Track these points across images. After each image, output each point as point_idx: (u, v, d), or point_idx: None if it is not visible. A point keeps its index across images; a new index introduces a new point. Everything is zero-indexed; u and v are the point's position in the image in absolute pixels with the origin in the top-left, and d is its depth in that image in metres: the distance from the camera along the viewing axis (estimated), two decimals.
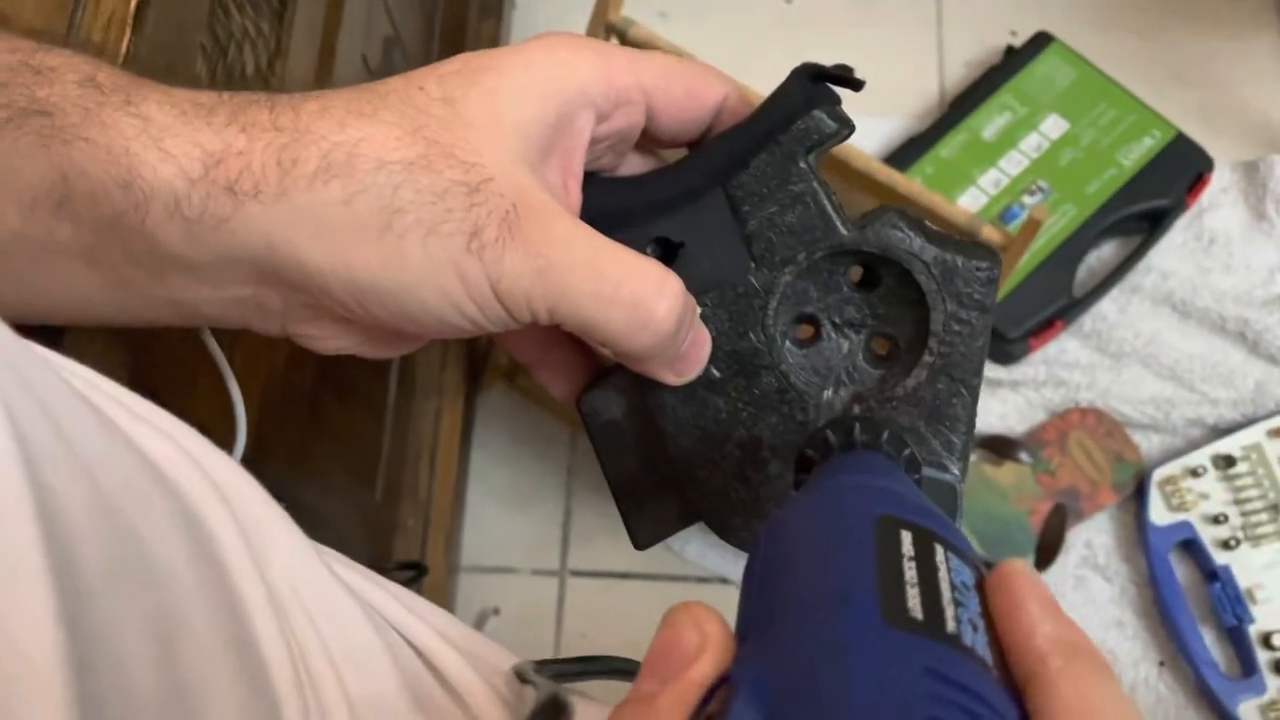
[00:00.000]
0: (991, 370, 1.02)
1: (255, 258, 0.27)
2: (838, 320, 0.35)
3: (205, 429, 0.47)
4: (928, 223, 0.33)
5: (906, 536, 0.22)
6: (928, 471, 0.33)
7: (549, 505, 1.01)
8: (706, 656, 0.20)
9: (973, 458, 0.98)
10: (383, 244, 0.27)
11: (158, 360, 0.45)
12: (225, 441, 0.44)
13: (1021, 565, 0.22)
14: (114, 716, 0.17)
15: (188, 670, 0.19)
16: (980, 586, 0.22)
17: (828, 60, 0.34)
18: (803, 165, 0.32)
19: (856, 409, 0.34)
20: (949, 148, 1.05)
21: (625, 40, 0.80)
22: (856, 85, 0.33)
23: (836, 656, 0.19)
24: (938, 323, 0.33)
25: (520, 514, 1.01)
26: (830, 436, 0.30)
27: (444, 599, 0.93)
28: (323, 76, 0.65)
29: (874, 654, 0.19)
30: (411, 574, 0.67)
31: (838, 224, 0.33)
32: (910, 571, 0.21)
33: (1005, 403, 1.00)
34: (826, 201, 0.33)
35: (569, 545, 1.00)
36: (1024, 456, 0.98)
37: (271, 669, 0.23)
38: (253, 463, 0.57)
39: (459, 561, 0.98)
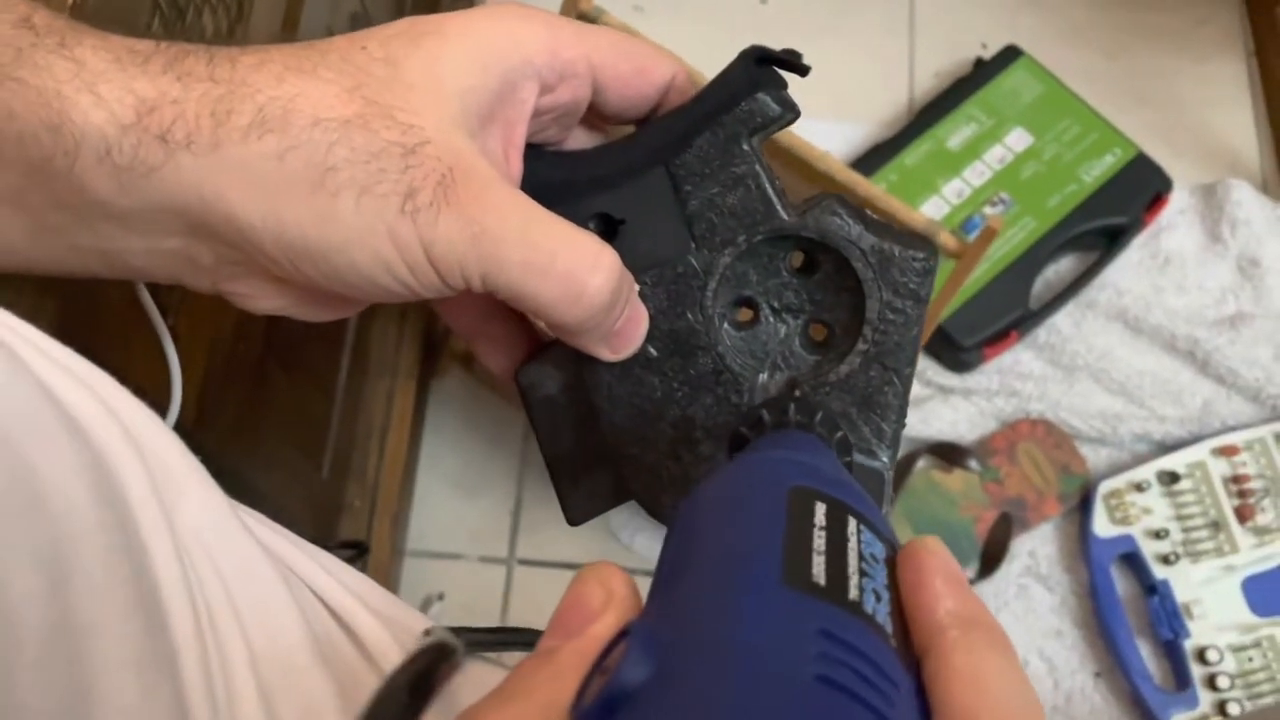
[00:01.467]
0: (945, 377, 1.02)
1: (185, 209, 0.26)
2: (776, 305, 0.35)
3: (140, 392, 0.47)
4: (868, 211, 0.33)
5: (820, 507, 0.22)
6: (856, 457, 0.33)
7: (500, 493, 1.01)
8: (610, 614, 0.20)
9: (922, 463, 0.99)
10: (315, 201, 0.26)
11: (94, 319, 0.44)
12: (160, 404, 0.43)
13: (932, 542, 0.22)
14: None
15: (77, 606, 0.19)
16: (891, 562, 0.22)
17: None
18: (746, 147, 0.32)
19: (793, 394, 0.34)
20: (914, 156, 1.06)
21: None
22: (803, 70, 0.33)
23: (731, 612, 0.19)
24: (873, 311, 0.33)
25: (470, 500, 1.00)
26: (765, 415, 0.31)
27: (388, 582, 0.93)
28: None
29: (768, 612, 0.19)
30: (352, 553, 0.67)
31: (779, 208, 0.33)
32: (819, 540, 0.21)
33: (957, 410, 1.01)
34: (768, 185, 0.33)
35: (518, 534, 1.00)
36: (973, 464, 0.99)
37: (171, 616, 0.23)
38: (192, 432, 0.57)
39: (405, 545, 0.98)
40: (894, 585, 0.22)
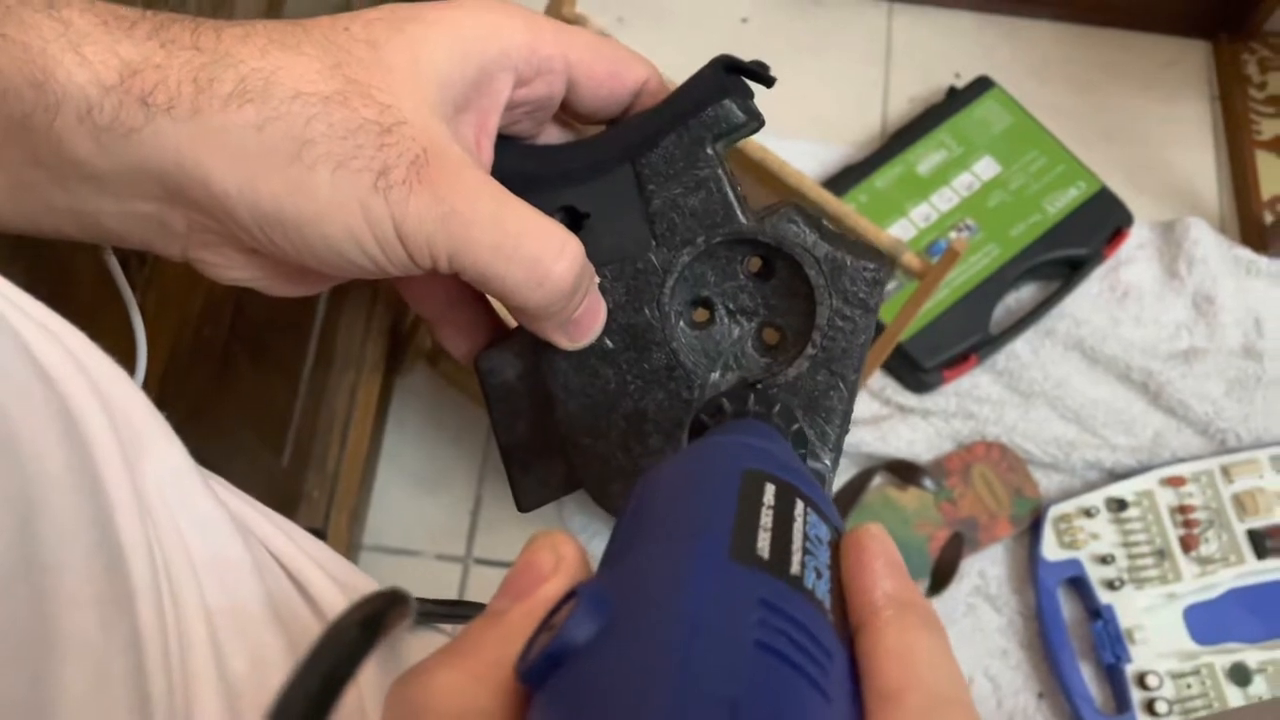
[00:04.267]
0: (904, 397, 1.04)
1: (162, 173, 0.27)
2: (731, 307, 0.36)
3: None
4: (824, 221, 0.35)
5: (770, 488, 0.23)
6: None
7: (460, 491, 1.01)
8: (559, 577, 0.21)
9: (878, 480, 1.00)
10: (291, 173, 0.27)
11: (62, 290, 0.45)
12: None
13: (876, 529, 0.23)
14: None
15: (42, 545, 0.20)
16: (835, 546, 0.23)
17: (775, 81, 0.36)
18: (710, 151, 0.33)
19: (754, 385, 0.35)
20: (884, 179, 1.08)
21: None
22: (768, 81, 0.34)
23: (677, 579, 0.20)
24: (823, 317, 0.34)
25: (429, 497, 1.01)
26: (725, 404, 0.32)
27: None
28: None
29: (713, 581, 0.20)
30: None
31: (738, 212, 0.34)
32: (766, 518, 0.22)
33: (915, 430, 1.02)
34: (729, 190, 0.34)
35: (476, 533, 1.01)
36: (928, 483, 1.00)
37: (130, 561, 0.24)
38: None
39: (362, 540, 0.98)
40: (836, 567, 0.23)
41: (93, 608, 0.21)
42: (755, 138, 0.78)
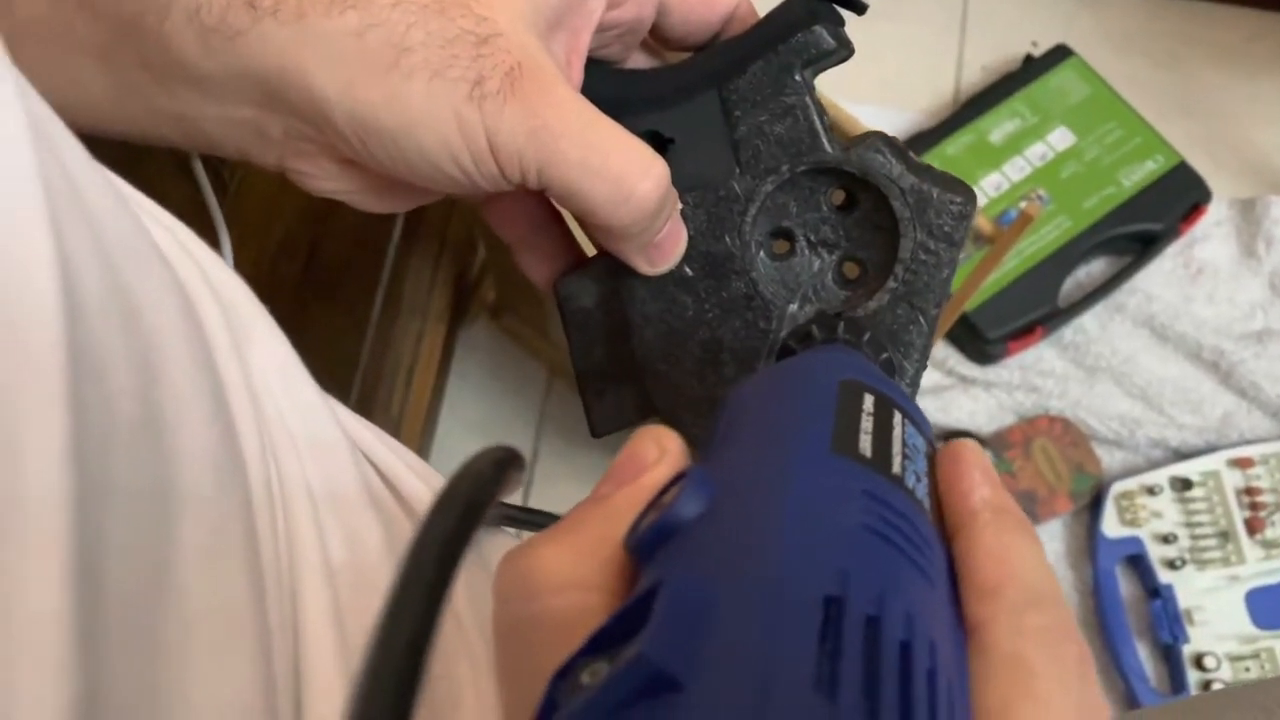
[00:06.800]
0: (967, 368, 1.03)
1: (264, 77, 0.28)
2: (813, 238, 0.36)
3: None
4: (910, 153, 0.34)
5: (869, 398, 0.24)
6: None
7: (517, 443, 1.01)
8: (663, 465, 0.21)
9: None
10: (388, 80, 0.28)
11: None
12: None
13: (972, 443, 0.24)
14: (96, 421, 0.18)
15: (164, 406, 0.21)
16: (931, 458, 0.24)
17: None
18: (798, 78, 0.33)
19: (839, 314, 0.36)
20: (955, 146, 1.07)
21: None
22: (860, 8, 0.34)
23: (782, 466, 0.20)
24: (906, 250, 0.34)
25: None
26: (814, 330, 0.32)
27: None
28: None
29: (817, 468, 0.20)
30: None
31: (824, 141, 0.34)
32: (866, 423, 0.22)
33: (977, 401, 1.01)
34: (816, 118, 0.34)
35: (532, 485, 1.02)
36: (988, 455, 0.99)
37: (241, 434, 0.25)
38: None
39: None
40: (931, 477, 0.23)
41: (210, 468, 0.22)
42: (824, 93, 0.78)
